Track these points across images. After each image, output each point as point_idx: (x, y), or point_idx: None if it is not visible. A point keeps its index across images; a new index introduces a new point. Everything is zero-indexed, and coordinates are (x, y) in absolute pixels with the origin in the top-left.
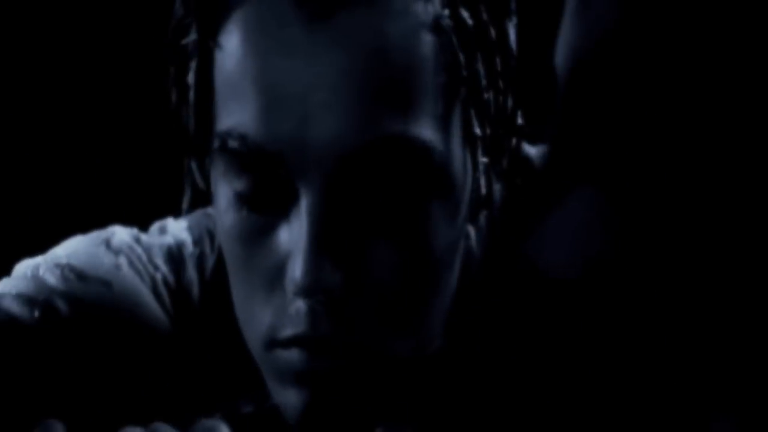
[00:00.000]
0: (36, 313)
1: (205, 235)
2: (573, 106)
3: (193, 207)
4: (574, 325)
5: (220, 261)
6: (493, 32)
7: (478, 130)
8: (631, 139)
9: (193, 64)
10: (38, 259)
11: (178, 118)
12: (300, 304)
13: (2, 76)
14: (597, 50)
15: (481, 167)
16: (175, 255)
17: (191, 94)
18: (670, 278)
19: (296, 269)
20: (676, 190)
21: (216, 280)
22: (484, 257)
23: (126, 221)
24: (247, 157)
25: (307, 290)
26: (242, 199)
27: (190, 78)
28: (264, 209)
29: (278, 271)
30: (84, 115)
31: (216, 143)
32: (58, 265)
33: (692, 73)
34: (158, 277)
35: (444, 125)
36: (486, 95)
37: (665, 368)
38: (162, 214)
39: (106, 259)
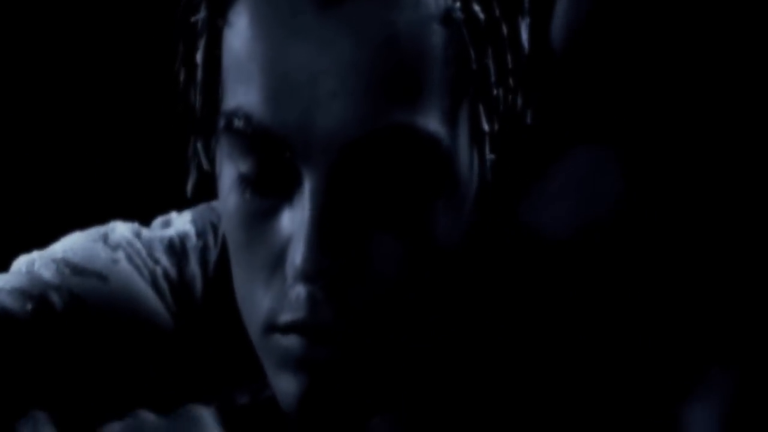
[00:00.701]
0: (29, 307)
1: (208, 228)
2: (571, 68)
3: (197, 193)
4: (569, 287)
5: (223, 254)
6: (505, 28)
7: (486, 126)
8: (634, 98)
9: (201, 43)
10: (34, 255)
11: (185, 98)
12: (300, 290)
13: (2, 76)
14: (592, 13)
15: (488, 164)
16: (177, 248)
17: (199, 73)
18: (670, 236)
19: (297, 254)
20: (678, 149)
21: (219, 273)
22: (478, 220)
23: (126, 220)
24: (251, 138)
25: (307, 276)
26: (246, 181)
27: (199, 56)
28: (267, 192)
29: (279, 255)
30: (84, 114)
31: (221, 123)
32: (53, 260)
33: (682, 33)
34: (158, 271)
35: (451, 119)
36: (495, 91)
37: (662, 324)
38: (162, 213)
39: (103, 253)
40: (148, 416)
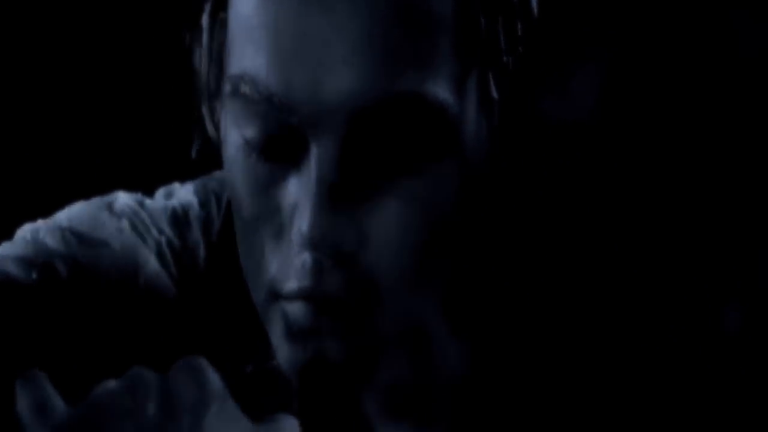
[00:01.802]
0: (34, 275)
1: (211, 198)
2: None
3: (200, 163)
4: (590, 178)
5: (226, 224)
6: None
7: (495, 95)
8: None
9: (207, 6)
10: (39, 223)
11: (189, 63)
12: (306, 257)
13: (2, 76)
14: None
15: (496, 131)
16: (180, 218)
17: (204, 36)
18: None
19: (303, 221)
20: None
21: (222, 243)
22: (500, 127)
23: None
24: (258, 103)
25: (313, 243)
26: (252, 147)
27: (204, 20)
28: (274, 158)
29: (286, 222)
30: (84, 113)
31: (228, 87)
32: (58, 228)
33: None
34: (162, 240)
35: (460, 87)
36: (505, 59)
37: (677, 249)
38: (164, 184)
39: (108, 222)
40: (145, 372)
